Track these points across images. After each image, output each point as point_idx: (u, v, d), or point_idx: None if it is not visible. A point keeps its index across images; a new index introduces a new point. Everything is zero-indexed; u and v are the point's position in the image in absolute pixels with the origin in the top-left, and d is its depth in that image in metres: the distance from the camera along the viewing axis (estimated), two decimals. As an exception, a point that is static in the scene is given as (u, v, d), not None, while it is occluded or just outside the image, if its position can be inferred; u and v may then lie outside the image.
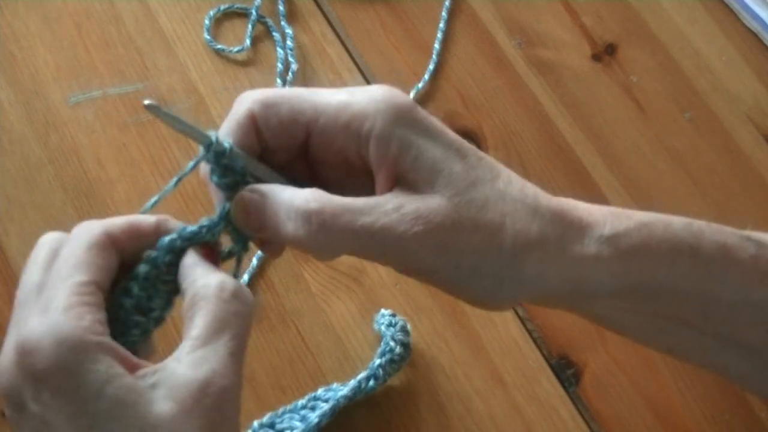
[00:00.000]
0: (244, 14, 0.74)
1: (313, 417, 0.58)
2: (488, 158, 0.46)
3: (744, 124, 0.75)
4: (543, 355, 0.65)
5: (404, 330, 0.62)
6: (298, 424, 0.58)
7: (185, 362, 0.39)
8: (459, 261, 0.44)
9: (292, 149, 0.46)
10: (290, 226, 0.43)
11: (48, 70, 0.70)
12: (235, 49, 0.72)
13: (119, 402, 0.38)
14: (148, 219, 0.44)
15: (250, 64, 0.72)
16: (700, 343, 0.50)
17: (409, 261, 0.44)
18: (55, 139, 0.68)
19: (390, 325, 0.62)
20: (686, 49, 0.77)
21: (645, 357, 0.65)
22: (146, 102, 0.41)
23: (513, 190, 0.45)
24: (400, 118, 0.44)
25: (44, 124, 0.68)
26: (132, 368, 0.39)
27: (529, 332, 0.65)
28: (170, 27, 0.73)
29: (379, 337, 0.62)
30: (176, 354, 0.40)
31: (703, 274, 0.47)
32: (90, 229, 0.42)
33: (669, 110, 0.75)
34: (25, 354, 0.38)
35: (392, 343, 0.61)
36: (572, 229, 0.46)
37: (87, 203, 0.66)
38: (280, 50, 0.72)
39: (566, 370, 0.64)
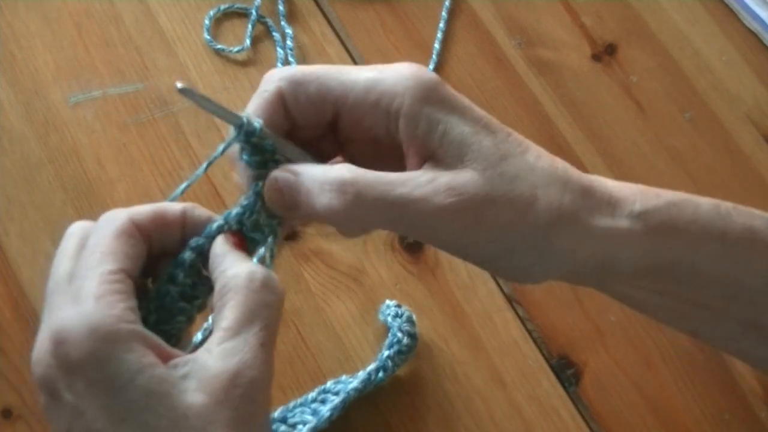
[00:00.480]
0: (244, 14, 0.74)
1: (325, 410, 0.58)
2: (516, 134, 0.46)
3: (744, 124, 0.75)
4: (543, 355, 0.65)
5: (410, 320, 0.62)
6: (309, 417, 0.58)
7: (215, 353, 0.39)
8: (492, 235, 0.44)
9: (320, 127, 0.46)
10: (324, 199, 0.43)
11: (48, 70, 0.70)
12: (235, 49, 0.72)
13: (151, 392, 0.38)
14: (174, 207, 0.44)
15: (250, 64, 0.72)
16: (723, 327, 0.50)
17: (443, 234, 0.44)
18: (55, 139, 0.68)
19: (396, 316, 0.62)
20: (686, 49, 0.77)
21: (645, 357, 0.65)
22: (179, 85, 0.42)
23: (543, 163, 0.45)
24: (427, 95, 0.44)
25: (44, 124, 0.68)
26: (165, 358, 0.39)
27: (529, 332, 0.65)
28: (170, 27, 0.73)
29: (382, 332, 0.62)
30: (207, 345, 0.40)
31: (729, 258, 0.47)
32: (116, 218, 0.42)
33: (669, 110, 0.75)
34: (58, 344, 0.38)
35: (399, 334, 0.61)
36: (602, 203, 0.45)
37: (87, 203, 0.66)
38: (280, 50, 0.72)
39: (566, 370, 0.64)
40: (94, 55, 0.71)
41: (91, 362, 0.38)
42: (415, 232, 0.45)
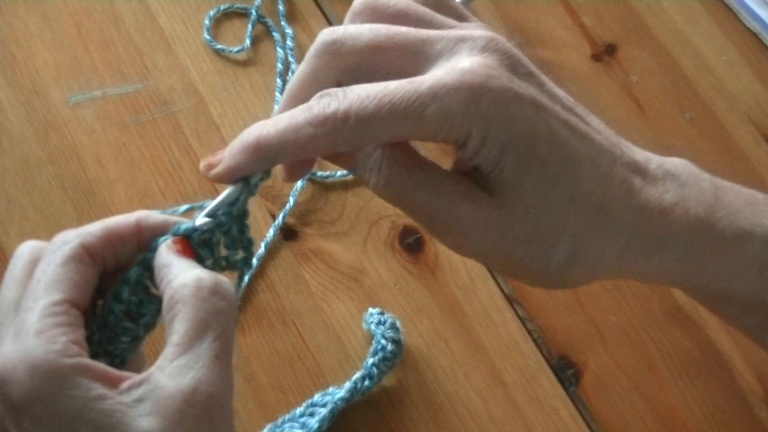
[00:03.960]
0: (244, 14, 0.74)
1: (314, 422, 0.58)
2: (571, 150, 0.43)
3: (744, 124, 0.75)
4: (543, 355, 0.65)
5: (394, 327, 0.62)
6: (299, 431, 0.58)
7: (168, 372, 0.37)
8: (504, 263, 0.44)
9: None
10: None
11: (48, 70, 0.70)
12: (235, 49, 0.72)
13: (101, 426, 0.36)
14: (127, 219, 0.42)
15: (250, 64, 0.72)
16: None
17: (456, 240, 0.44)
18: (55, 139, 0.68)
19: (379, 323, 0.62)
20: (686, 49, 0.77)
21: (645, 357, 0.65)
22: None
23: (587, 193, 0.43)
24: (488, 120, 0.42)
25: (44, 124, 0.68)
26: (114, 382, 0.37)
27: (529, 332, 0.65)
28: (170, 27, 0.73)
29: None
30: (159, 363, 0.38)
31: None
32: (65, 242, 0.40)
33: (669, 110, 0.75)
34: (0, 383, 0.37)
35: (383, 341, 0.61)
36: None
37: (87, 203, 0.66)
38: (280, 50, 0.72)
39: (566, 370, 0.64)
40: (94, 55, 0.71)
41: (34, 401, 0.37)
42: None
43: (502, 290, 0.66)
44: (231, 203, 0.42)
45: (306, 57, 0.43)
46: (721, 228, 0.46)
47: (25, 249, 0.41)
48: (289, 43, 0.72)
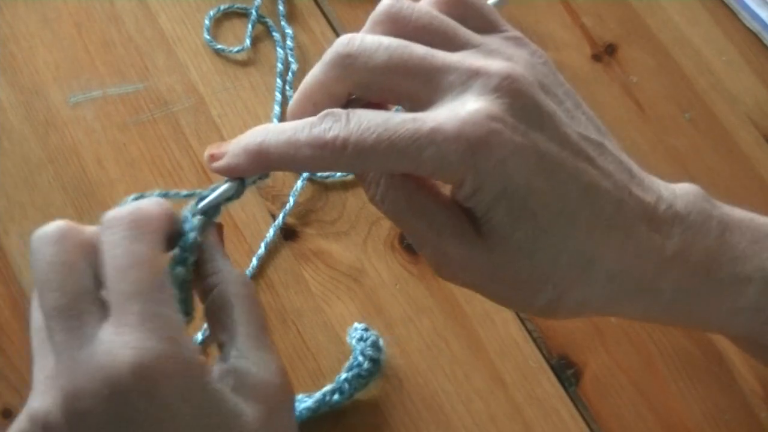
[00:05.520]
0: (244, 14, 0.74)
1: None
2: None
3: (744, 124, 0.75)
4: (543, 355, 0.65)
5: (375, 345, 0.61)
6: None
7: (254, 362, 0.38)
8: (491, 298, 0.45)
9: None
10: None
11: (48, 70, 0.70)
12: (235, 49, 0.72)
13: (216, 423, 0.36)
14: (160, 207, 0.41)
15: (250, 64, 0.72)
16: None
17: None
18: (55, 139, 0.68)
19: (361, 339, 0.61)
20: (686, 49, 0.77)
21: (645, 357, 0.65)
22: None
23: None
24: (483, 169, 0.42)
25: (44, 124, 0.68)
26: (206, 370, 0.38)
27: (529, 332, 0.65)
28: (170, 27, 0.73)
29: (382, 332, 0.62)
30: (235, 353, 0.38)
31: None
32: (151, 228, 0.39)
33: (669, 110, 0.75)
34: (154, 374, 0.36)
35: (361, 358, 0.60)
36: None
37: (87, 203, 0.66)
38: (280, 50, 0.72)
39: (566, 370, 0.64)
40: (94, 55, 0.71)
41: (181, 399, 0.36)
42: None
43: (502, 290, 0.66)
44: (227, 198, 0.43)
45: (321, 61, 0.43)
46: (720, 277, 0.45)
47: (59, 232, 0.39)
48: (289, 43, 0.72)
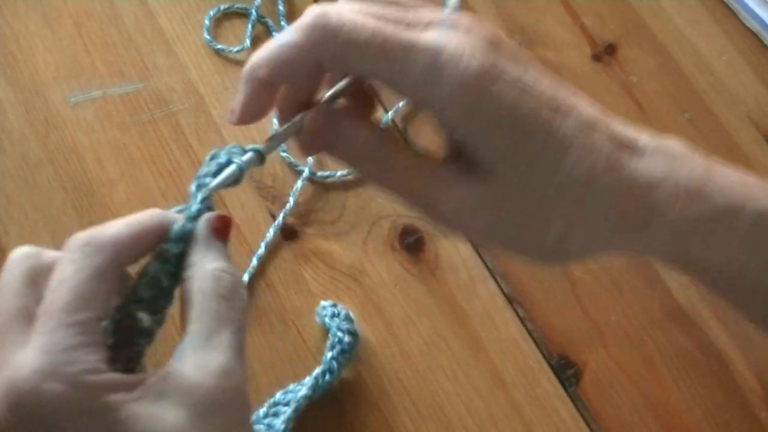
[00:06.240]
0: (244, 14, 0.74)
1: (279, 423, 0.57)
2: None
3: (744, 124, 0.75)
4: (543, 355, 0.65)
5: (348, 318, 0.62)
6: None
7: (191, 362, 0.37)
8: (501, 244, 0.44)
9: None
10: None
11: (48, 70, 0.70)
12: (235, 49, 0.72)
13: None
14: (151, 222, 0.40)
15: (250, 64, 0.72)
16: None
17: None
18: (55, 139, 0.68)
19: (334, 315, 0.62)
20: (686, 49, 0.77)
21: (645, 357, 0.65)
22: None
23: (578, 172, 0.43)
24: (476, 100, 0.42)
25: (44, 124, 0.68)
26: (133, 387, 0.37)
27: (529, 332, 0.65)
28: (170, 27, 0.73)
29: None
30: (178, 354, 0.38)
31: None
32: (94, 252, 0.38)
33: (669, 110, 0.75)
34: (30, 392, 0.35)
35: (340, 334, 0.61)
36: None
37: (87, 203, 0.66)
38: (280, 50, 0.72)
39: (566, 370, 0.64)
40: (94, 55, 0.71)
41: (67, 417, 0.36)
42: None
43: (502, 290, 0.66)
44: (230, 183, 0.42)
45: (294, 28, 0.42)
46: (714, 200, 0.45)
47: (20, 256, 0.39)
48: (289, 43, 0.72)
